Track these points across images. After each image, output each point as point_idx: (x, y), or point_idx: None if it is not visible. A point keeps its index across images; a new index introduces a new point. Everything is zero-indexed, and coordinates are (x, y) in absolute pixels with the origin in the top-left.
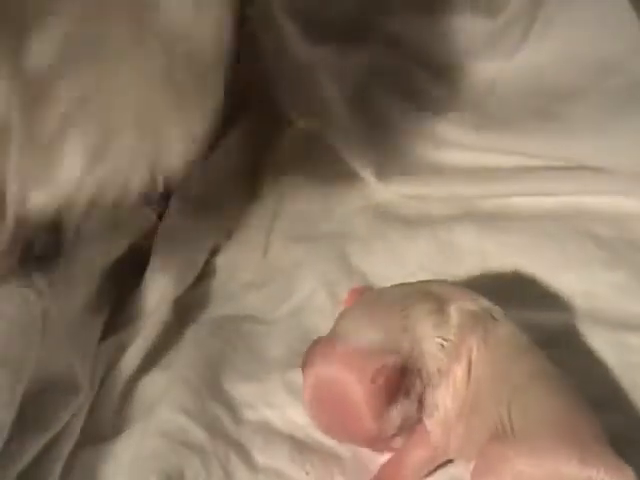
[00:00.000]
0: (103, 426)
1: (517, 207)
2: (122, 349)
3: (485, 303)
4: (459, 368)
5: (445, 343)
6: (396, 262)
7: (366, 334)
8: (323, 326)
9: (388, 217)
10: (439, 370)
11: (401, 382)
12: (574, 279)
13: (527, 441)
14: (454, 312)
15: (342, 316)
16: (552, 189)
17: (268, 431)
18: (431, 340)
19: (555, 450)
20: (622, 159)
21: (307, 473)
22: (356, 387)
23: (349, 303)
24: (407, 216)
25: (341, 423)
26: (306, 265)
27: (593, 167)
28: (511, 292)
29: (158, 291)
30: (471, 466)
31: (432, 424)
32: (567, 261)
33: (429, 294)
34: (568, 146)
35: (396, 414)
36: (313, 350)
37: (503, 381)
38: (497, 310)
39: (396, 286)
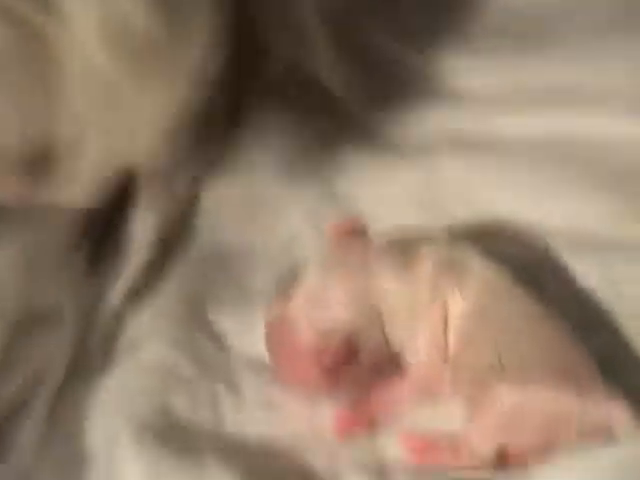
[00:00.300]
0: (90, 361)
1: (502, 134)
2: (108, 284)
3: (461, 246)
4: (435, 313)
5: (411, 294)
6: (383, 191)
7: (326, 304)
8: (308, 256)
9: (375, 145)
10: (408, 321)
11: (350, 357)
12: (558, 206)
13: (519, 378)
14: (426, 260)
15: (316, 270)
16: (537, 116)
17: (256, 364)
18: (395, 293)
19: (548, 385)
20: (609, 85)
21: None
22: (305, 353)
23: (335, 237)
24: (393, 144)
25: (289, 373)
26: (291, 195)
27: (580, 94)
28: (494, 219)
29: (143, 225)
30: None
31: (411, 370)
32: (551, 188)
33: (398, 244)
34: (552, 73)
35: (346, 379)
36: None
37: (488, 322)
38: (475, 251)
39: (372, 241)
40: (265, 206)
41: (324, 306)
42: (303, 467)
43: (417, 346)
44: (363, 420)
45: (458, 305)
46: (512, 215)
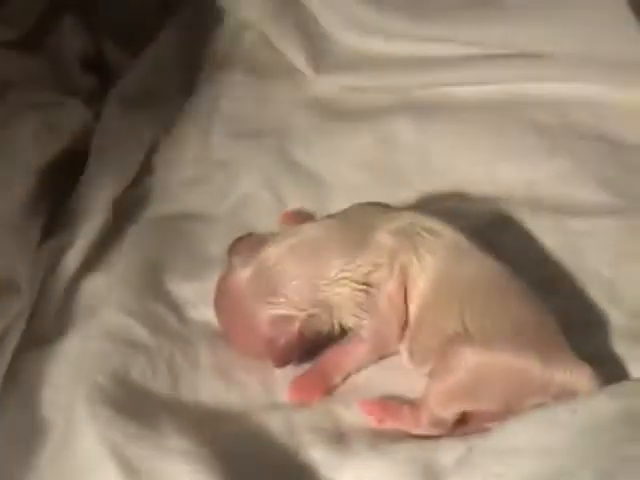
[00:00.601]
0: (46, 328)
1: (456, 97)
2: (62, 251)
3: (419, 216)
4: (392, 285)
5: (364, 275)
6: (336, 156)
7: (279, 290)
8: (263, 222)
9: (327, 110)
10: (358, 305)
11: (301, 345)
12: (514, 168)
13: (483, 341)
14: (379, 237)
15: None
16: (491, 77)
17: (212, 332)
18: (346, 280)
19: (512, 348)
20: (561, 45)
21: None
22: (256, 339)
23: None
24: (346, 109)
25: (240, 344)
26: (246, 161)
27: (532, 54)
28: (451, 183)
29: (97, 192)
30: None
31: (367, 327)
32: (507, 151)
33: (353, 226)
34: (506, 33)
35: (297, 359)
36: (238, 250)
37: (450, 288)
38: (434, 220)
39: (325, 220)
40: (219, 168)
41: (277, 291)
42: (259, 430)
43: (374, 311)
44: (318, 387)
45: (418, 275)
46: (468, 179)
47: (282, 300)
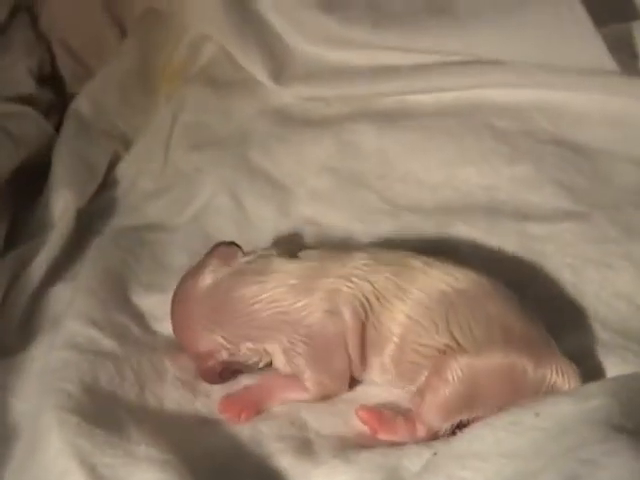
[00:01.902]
0: (10, 339)
1: (416, 104)
2: (25, 262)
3: (372, 257)
4: (338, 332)
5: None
6: (298, 163)
7: (218, 319)
8: (225, 229)
9: (288, 120)
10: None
11: (224, 374)
12: (475, 173)
13: (479, 352)
14: (328, 283)
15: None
16: (450, 84)
17: (174, 343)
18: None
19: (508, 356)
20: (517, 51)
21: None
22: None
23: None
24: (307, 118)
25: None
26: (207, 170)
27: (489, 60)
28: (411, 189)
29: (60, 203)
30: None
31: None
32: (467, 156)
33: (306, 272)
34: (462, 41)
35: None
36: (216, 255)
37: (429, 308)
38: (390, 254)
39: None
40: (180, 178)
41: (219, 318)
42: (227, 439)
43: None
44: (248, 409)
45: (386, 308)
46: (428, 184)
47: (220, 331)
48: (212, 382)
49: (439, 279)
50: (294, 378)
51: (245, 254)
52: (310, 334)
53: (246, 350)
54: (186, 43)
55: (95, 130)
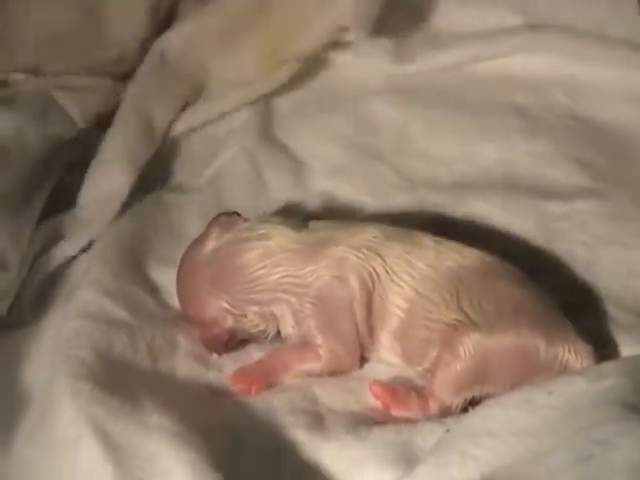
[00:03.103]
0: (26, 310)
1: (436, 79)
2: (59, 234)
3: (381, 230)
4: (349, 300)
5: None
6: (317, 136)
7: (227, 284)
8: (239, 197)
9: (310, 92)
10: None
11: (230, 339)
12: (491, 149)
13: (490, 328)
14: (338, 251)
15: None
16: (473, 52)
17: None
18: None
19: (521, 334)
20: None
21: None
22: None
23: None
24: (329, 91)
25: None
26: (231, 135)
27: (513, 27)
28: (428, 163)
29: (109, 182)
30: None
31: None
32: (484, 132)
33: (312, 239)
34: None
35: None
36: (218, 224)
37: (439, 283)
38: (399, 231)
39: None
40: (201, 145)
41: (224, 284)
42: (239, 411)
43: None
44: (261, 382)
45: (395, 281)
46: (445, 159)
47: (224, 296)
48: (217, 351)
49: (449, 257)
50: (306, 348)
51: (246, 220)
52: (319, 296)
53: (252, 315)
54: None
55: (173, 73)
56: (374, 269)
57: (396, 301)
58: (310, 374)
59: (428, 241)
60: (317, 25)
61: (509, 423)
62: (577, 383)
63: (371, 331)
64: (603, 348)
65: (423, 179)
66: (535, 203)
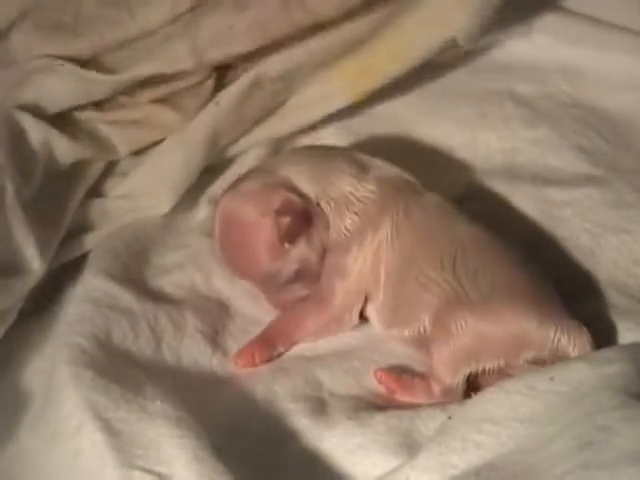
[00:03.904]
0: (37, 300)
1: (439, 63)
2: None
3: (406, 176)
4: (372, 233)
5: (359, 204)
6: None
7: (281, 173)
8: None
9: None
10: (348, 230)
11: (304, 224)
12: (494, 137)
13: (483, 303)
14: (373, 179)
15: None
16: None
17: (198, 294)
18: (344, 198)
19: (513, 311)
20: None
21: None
22: (259, 219)
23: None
24: None
25: (241, 256)
26: None
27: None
28: (430, 149)
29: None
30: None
31: (338, 288)
32: (487, 120)
33: (352, 158)
34: None
35: (294, 257)
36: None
37: (439, 242)
38: (418, 184)
39: (321, 146)
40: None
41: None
42: (242, 398)
43: (344, 264)
44: (261, 354)
45: (401, 225)
46: (448, 146)
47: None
48: (296, 232)
49: (459, 221)
50: (302, 308)
51: None
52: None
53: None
54: None
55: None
56: (395, 207)
57: (393, 247)
58: (309, 334)
59: (444, 202)
60: (422, 46)
61: (511, 409)
62: (580, 369)
63: (376, 272)
64: (605, 334)
65: (425, 167)
66: (537, 191)
